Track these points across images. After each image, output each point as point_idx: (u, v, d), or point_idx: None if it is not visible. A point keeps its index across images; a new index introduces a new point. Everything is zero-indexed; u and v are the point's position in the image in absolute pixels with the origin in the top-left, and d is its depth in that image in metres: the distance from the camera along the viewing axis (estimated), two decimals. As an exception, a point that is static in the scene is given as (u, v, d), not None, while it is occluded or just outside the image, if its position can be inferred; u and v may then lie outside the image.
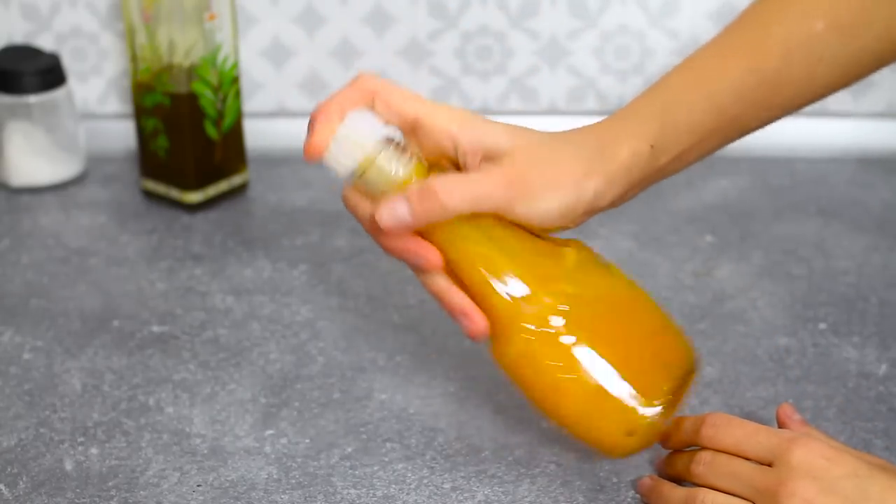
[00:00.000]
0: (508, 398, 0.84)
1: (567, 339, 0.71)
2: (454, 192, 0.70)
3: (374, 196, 0.71)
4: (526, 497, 0.76)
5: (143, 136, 1.09)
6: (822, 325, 0.91)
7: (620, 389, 0.71)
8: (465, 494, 0.76)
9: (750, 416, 0.82)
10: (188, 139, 1.06)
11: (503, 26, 1.18)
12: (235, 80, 1.07)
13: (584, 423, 0.73)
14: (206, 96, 1.05)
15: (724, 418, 0.72)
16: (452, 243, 0.72)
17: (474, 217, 0.71)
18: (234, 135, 1.09)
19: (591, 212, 0.74)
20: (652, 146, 0.74)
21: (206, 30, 1.03)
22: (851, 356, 0.88)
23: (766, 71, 0.77)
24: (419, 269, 0.73)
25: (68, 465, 0.78)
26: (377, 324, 0.92)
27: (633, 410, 0.71)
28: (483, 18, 1.17)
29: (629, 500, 0.75)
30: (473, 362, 0.87)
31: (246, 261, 1.00)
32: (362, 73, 0.73)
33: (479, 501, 0.75)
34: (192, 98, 1.05)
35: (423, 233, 0.72)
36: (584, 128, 0.75)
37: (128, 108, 1.20)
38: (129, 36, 1.06)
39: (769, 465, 0.69)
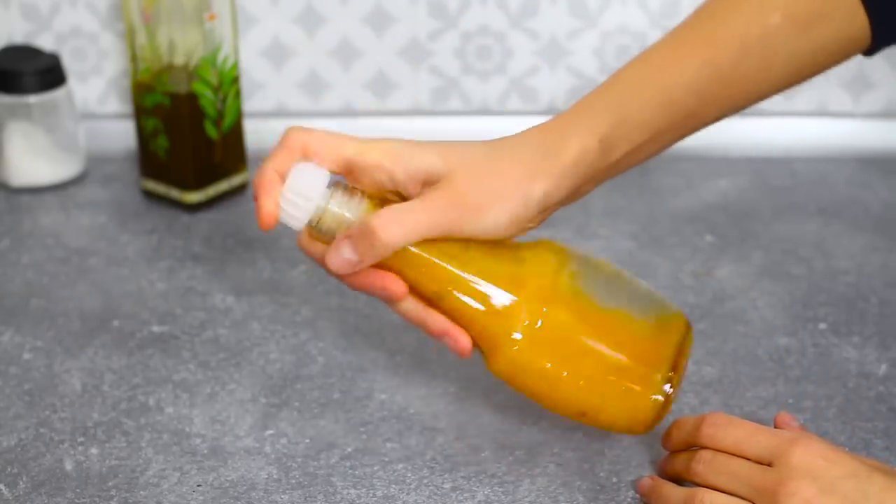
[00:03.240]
0: (508, 398, 0.84)
1: (552, 339, 0.71)
2: (392, 226, 0.70)
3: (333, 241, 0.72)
4: (526, 497, 0.76)
5: (143, 136, 1.09)
6: (822, 325, 0.91)
7: (618, 375, 0.72)
8: (465, 494, 0.76)
9: (750, 416, 0.82)
10: (188, 139, 1.06)
11: (503, 26, 1.18)
12: (235, 80, 1.07)
13: (592, 413, 0.73)
14: (206, 96, 1.05)
15: (724, 418, 0.72)
16: (415, 270, 0.72)
17: (429, 241, 0.71)
18: (234, 135, 1.09)
19: (545, 212, 0.74)
20: (601, 141, 0.74)
21: (206, 30, 1.03)
22: (851, 356, 0.88)
23: (722, 65, 0.76)
24: (387, 301, 0.73)
25: (68, 465, 0.78)
26: (377, 324, 0.92)
27: (638, 391, 0.72)
28: (483, 18, 1.17)
29: (629, 500, 0.75)
30: (473, 362, 0.87)
31: (246, 261, 1.00)
32: (289, 129, 0.73)
33: (479, 501, 0.75)
34: (192, 98, 1.05)
35: (384, 264, 0.72)
36: (530, 129, 0.75)
37: (128, 108, 1.20)
38: (129, 36, 1.06)
39: (769, 464, 0.69)
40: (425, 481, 0.77)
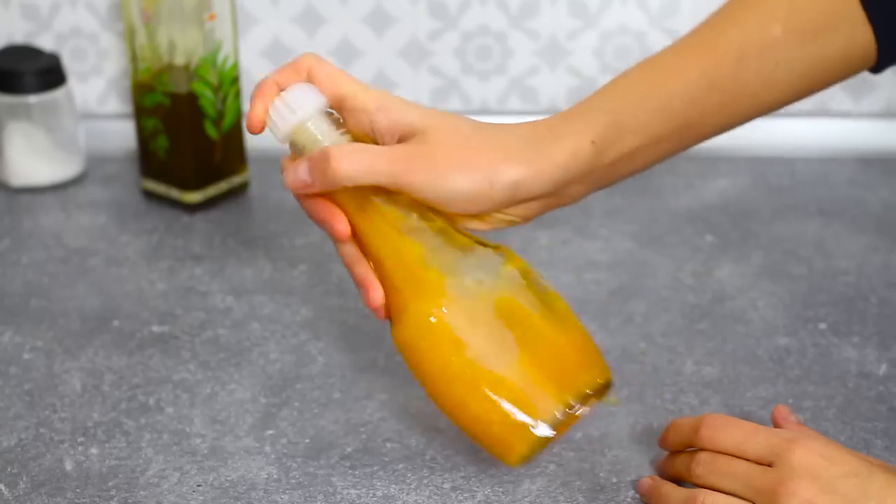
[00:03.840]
0: (508, 398, 0.83)
1: (460, 333, 0.70)
2: (346, 158, 0.71)
3: None
4: (526, 497, 0.76)
5: (143, 136, 1.09)
6: (822, 325, 0.91)
7: (507, 395, 0.70)
8: (465, 494, 0.76)
9: (750, 416, 0.82)
10: (188, 139, 1.06)
11: (503, 26, 1.18)
12: (235, 80, 1.07)
13: (467, 420, 0.72)
14: (206, 96, 1.05)
15: (723, 419, 0.72)
16: (361, 214, 0.73)
17: (389, 195, 0.72)
18: (234, 135, 1.09)
19: (519, 202, 0.73)
20: (593, 142, 0.74)
21: (206, 30, 1.03)
22: (851, 356, 0.88)
23: (720, 75, 0.75)
24: (332, 238, 0.75)
25: (68, 465, 0.78)
26: (377, 324, 0.92)
27: (520, 424, 0.70)
28: (483, 18, 1.17)
29: (629, 500, 0.75)
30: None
31: (246, 261, 1.00)
32: (304, 54, 0.75)
33: (479, 501, 0.75)
34: (192, 98, 1.05)
35: (340, 203, 0.73)
36: (525, 122, 0.75)
37: (128, 108, 1.20)
38: (129, 36, 1.06)
39: (769, 465, 0.69)
40: (425, 481, 0.77)
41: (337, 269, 0.99)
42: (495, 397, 0.70)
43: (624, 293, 0.95)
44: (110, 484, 0.77)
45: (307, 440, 0.81)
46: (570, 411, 0.71)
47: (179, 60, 1.04)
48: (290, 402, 0.84)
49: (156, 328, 0.92)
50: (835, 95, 1.20)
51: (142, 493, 0.76)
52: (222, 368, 0.88)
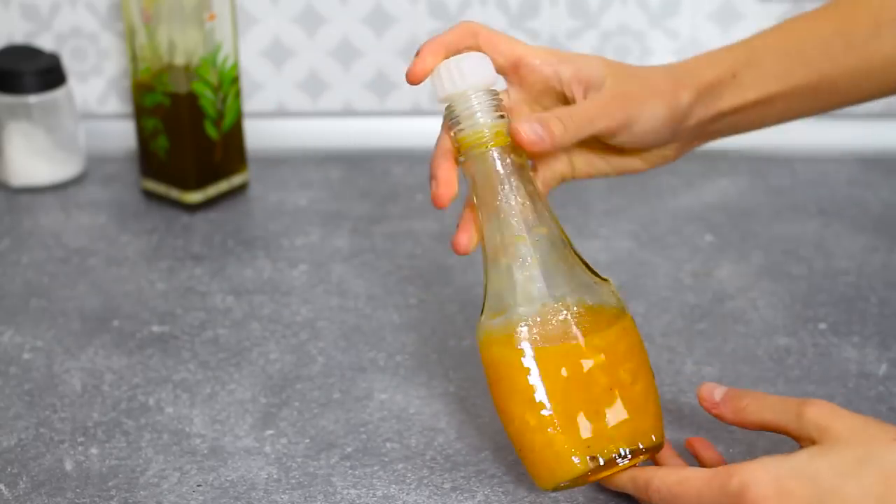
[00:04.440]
0: (508, 398, 0.83)
1: (554, 349, 0.70)
2: (572, 118, 0.73)
3: (451, 130, 0.74)
4: (526, 497, 0.76)
5: (143, 136, 1.09)
6: (822, 325, 0.91)
7: (576, 424, 0.70)
8: (465, 494, 0.76)
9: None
10: (188, 139, 1.06)
11: (503, 26, 1.17)
12: (235, 80, 1.07)
13: (523, 436, 0.72)
14: (206, 96, 1.05)
15: (665, 492, 0.69)
16: (493, 206, 0.72)
17: (531, 190, 0.73)
18: (234, 135, 1.09)
19: (685, 126, 0.76)
20: (734, 76, 0.77)
21: (206, 30, 1.03)
22: (851, 356, 0.88)
23: (856, 37, 0.78)
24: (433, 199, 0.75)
25: (68, 465, 0.78)
26: (377, 324, 0.92)
27: (567, 456, 0.70)
28: (483, 18, 1.17)
29: (629, 500, 0.75)
30: (473, 362, 0.87)
31: (246, 261, 1.00)
32: (464, 21, 0.76)
33: (479, 501, 0.75)
34: (192, 98, 1.05)
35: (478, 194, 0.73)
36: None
37: (128, 108, 1.20)
38: (129, 36, 1.06)
39: None
40: (425, 481, 0.77)
41: (337, 268, 0.99)
42: (552, 427, 0.70)
43: (624, 293, 0.95)
44: (110, 484, 0.77)
45: (307, 440, 0.81)
46: (620, 459, 0.71)
47: (179, 60, 1.05)
48: (290, 402, 0.84)
49: (156, 328, 0.92)
50: (835, 95, 1.19)
51: (142, 493, 0.76)
52: (222, 368, 0.88)
